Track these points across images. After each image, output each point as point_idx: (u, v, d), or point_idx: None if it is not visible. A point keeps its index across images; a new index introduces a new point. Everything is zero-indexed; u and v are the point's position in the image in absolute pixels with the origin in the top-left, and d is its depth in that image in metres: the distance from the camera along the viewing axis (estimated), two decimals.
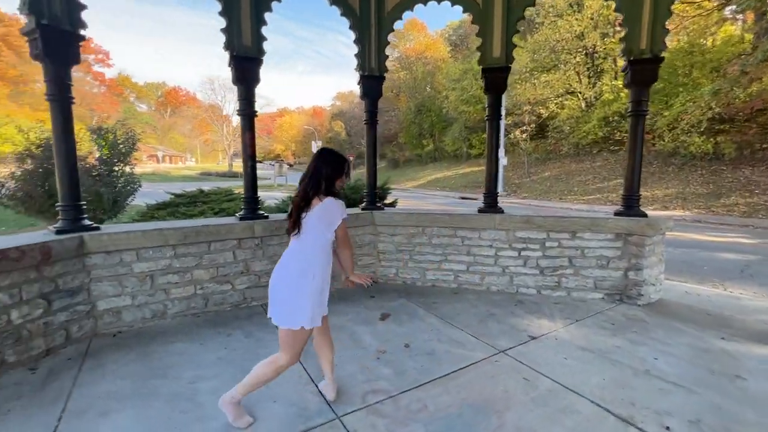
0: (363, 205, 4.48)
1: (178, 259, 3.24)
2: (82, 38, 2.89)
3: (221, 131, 58.57)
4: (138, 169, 10.75)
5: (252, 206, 3.67)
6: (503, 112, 20.75)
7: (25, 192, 7.94)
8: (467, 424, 1.99)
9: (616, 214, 3.88)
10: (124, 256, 3.02)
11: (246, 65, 3.49)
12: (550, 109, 23.78)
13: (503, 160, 20.88)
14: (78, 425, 1.95)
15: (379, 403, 2.17)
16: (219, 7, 3.37)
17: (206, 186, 9.63)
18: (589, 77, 22.57)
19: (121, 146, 9.34)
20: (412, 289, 4.13)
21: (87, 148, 9.30)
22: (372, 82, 4.24)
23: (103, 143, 8.95)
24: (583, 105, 22.14)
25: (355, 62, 4.23)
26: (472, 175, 26.40)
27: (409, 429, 1.95)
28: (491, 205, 4.14)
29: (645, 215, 3.77)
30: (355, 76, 4.23)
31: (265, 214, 3.76)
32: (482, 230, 4.03)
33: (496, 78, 3.99)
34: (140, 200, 10.08)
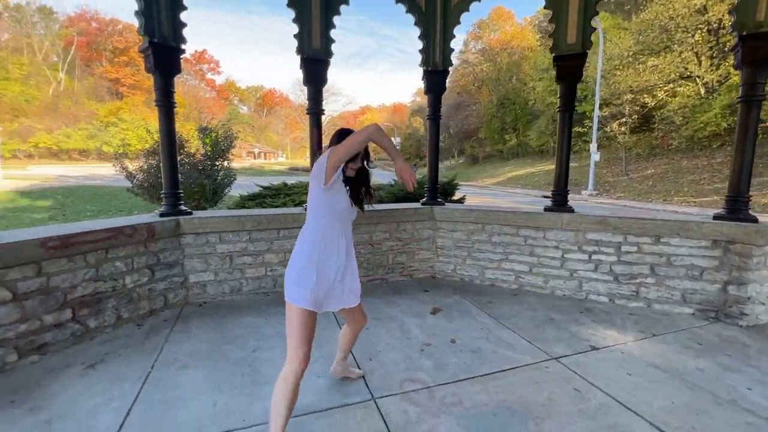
0: (424, 200, 4.51)
1: (252, 243, 3.65)
2: (183, 52, 3.39)
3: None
4: (236, 164, 12.17)
5: None
6: (596, 103, 18.77)
7: (149, 183, 9.56)
8: (501, 424, 1.95)
9: (716, 217, 3.33)
10: (210, 238, 3.52)
11: (315, 67, 3.76)
12: (658, 97, 20.82)
13: (595, 156, 18.95)
14: (164, 373, 2.37)
15: (415, 392, 2.22)
16: (293, 14, 3.68)
17: (291, 180, 10.47)
18: (711, 58, 19.17)
19: (222, 144, 10.65)
20: (469, 286, 4.06)
21: (195, 146, 10.81)
22: (435, 77, 4.23)
23: (208, 141, 10.31)
24: (702, 91, 18.92)
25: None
26: None
27: (440, 421, 1.97)
28: (560, 203, 3.85)
29: (755, 220, 3.17)
30: None
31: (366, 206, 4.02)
32: (547, 230, 3.78)
33: (570, 66, 3.68)
34: (236, 191, 11.34)
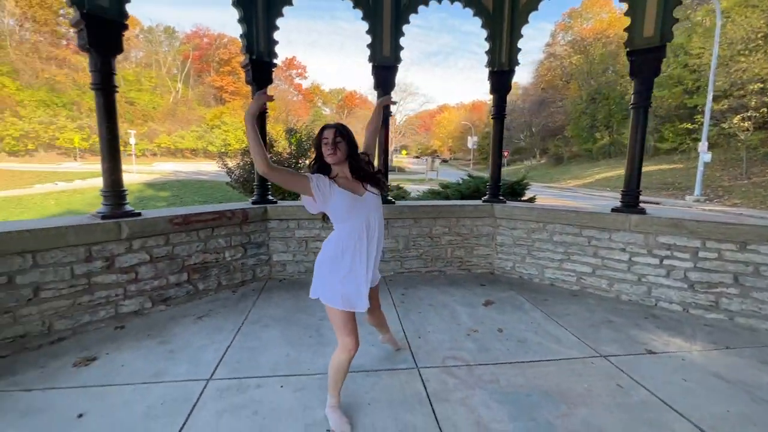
0: (485, 197, 4.61)
1: (323, 231, 4.15)
2: (275, 65, 3.99)
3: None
4: None
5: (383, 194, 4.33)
6: (709, 95, 16.43)
7: (244, 178, 10.95)
8: (532, 404, 2.09)
9: None
10: (290, 224, 4.10)
11: (384, 73, 4.13)
12: None
13: (706, 156, 16.59)
14: (251, 329, 2.93)
15: (456, 367, 2.45)
16: (367, 26, 4.09)
17: None
18: None
19: (305, 144, 11.71)
20: (528, 284, 4.08)
21: (283, 145, 12.05)
22: (501, 77, 4.31)
23: (293, 141, 11.43)
24: None
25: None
26: (658, 175, 21.80)
27: (474, 392, 2.18)
28: (630, 204, 3.69)
29: None
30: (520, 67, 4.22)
31: (393, 201, 4.38)
32: (614, 231, 3.65)
33: (645, 60, 3.50)
34: None
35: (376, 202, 1.91)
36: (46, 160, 35.17)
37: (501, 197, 4.57)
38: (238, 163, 11.02)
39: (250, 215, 3.83)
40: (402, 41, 4.15)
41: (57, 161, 34.98)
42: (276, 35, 3.96)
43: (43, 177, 24.68)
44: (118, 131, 3.02)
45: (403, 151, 74.82)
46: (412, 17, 4.15)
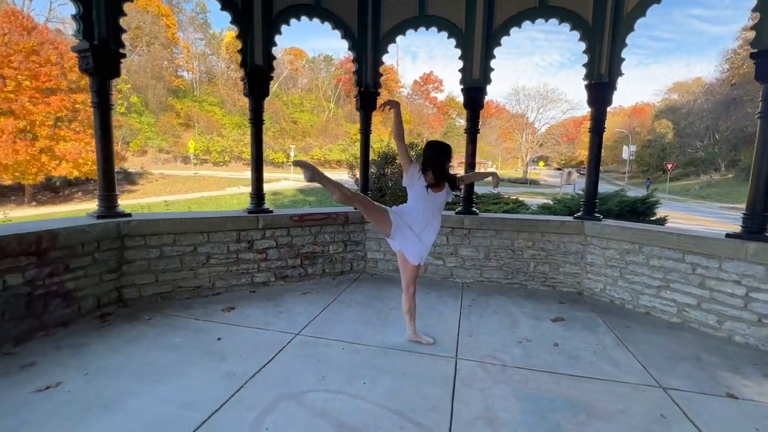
0: (579, 213, 4.44)
1: None
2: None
3: (521, 139, 60.91)
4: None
5: (467, 204, 4.64)
6: None
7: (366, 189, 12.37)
8: (551, 407, 2.21)
9: None
10: None
11: (473, 94, 4.47)
12: None
13: None
14: (337, 307, 3.69)
15: (491, 364, 2.68)
16: (459, 53, 4.51)
17: (493, 190, 11.24)
18: None
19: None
20: (616, 309, 3.81)
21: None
22: (600, 89, 4.14)
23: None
24: None
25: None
26: None
27: (498, 387, 2.41)
28: (752, 230, 3.13)
29: None
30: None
31: (476, 211, 4.65)
32: (725, 260, 3.16)
33: None
34: None
35: (440, 200, 2.79)
36: (236, 169, 45.42)
37: (597, 214, 4.33)
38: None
39: (351, 218, 4.68)
40: (497, 61, 4.43)
41: (243, 170, 44.71)
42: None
43: (234, 182, 32.03)
44: (262, 150, 4.24)
45: (540, 163, 69.26)
46: (505, 40, 4.39)
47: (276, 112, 58.14)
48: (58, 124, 20.39)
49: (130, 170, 29.03)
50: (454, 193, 2.92)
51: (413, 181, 2.77)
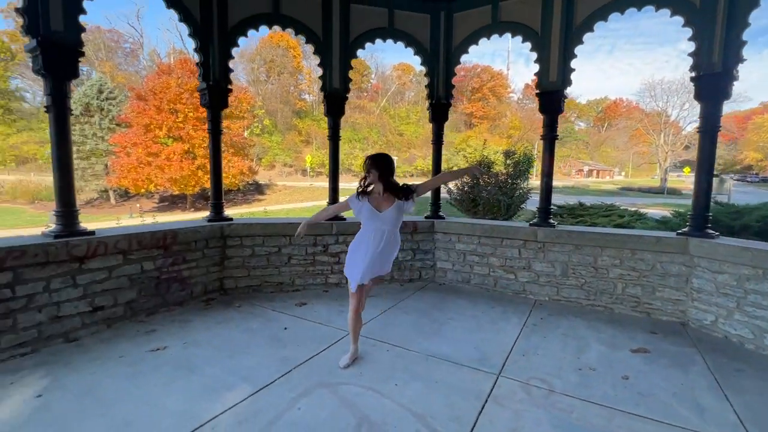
0: (684, 229, 3.74)
1: (480, 246, 4.60)
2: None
3: (657, 141, 51.85)
4: (559, 183, 12.91)
5: (543, 215, 4.32)
6: None
7: (460, 197, 12.21)
8: None
9: None
10: (452, 238, 4.78)
11: (550, 97, 4.17)
12: None
13: None
14: (396, 312, 3.84)
15: (535, 387, 2.50)
16: (536, 55, 4.27)
17: (615, 200, 10.38)
18: None
19: (522, 165, 11.83)
20: (731, 348, 3.09)
21: (498, 168, 12.57)
22: (712, 81, 3.46)
23: (510, 163, 11.78)
24: None
25: None
26: None
27: (536, 412, 2.25)
28: None
29: None
30: None
31: (554, 223, 4.29)
32: None
33: None
34: (534, 207, 12.09)
35: (390, 216, 2.65)
36: (346, 180, 49.36)
37: (709, 230, 3.59)
38: (457, 183, 12.38)
39: (419, 227, 4.79)
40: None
41: (353, 181, 48.41)
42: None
43: (349, 192, 34.83)
44: (338, 163, 4.69)
45: (685, 169, 58.08)
46: (587, 36, 4.02)
47: (383, 125, 61.37)
48: None
49: (260, 182, 33.99)
50: (409, 202, 2.70)
51: (357, 208, 2.72)
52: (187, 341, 3.07)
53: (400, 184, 2.70)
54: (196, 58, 4.05)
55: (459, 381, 2.57)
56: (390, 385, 2.51)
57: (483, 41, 4.60)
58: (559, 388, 2.49)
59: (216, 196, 4.33)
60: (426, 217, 5.02)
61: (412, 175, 54.82)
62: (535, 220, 4.41)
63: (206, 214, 4.47)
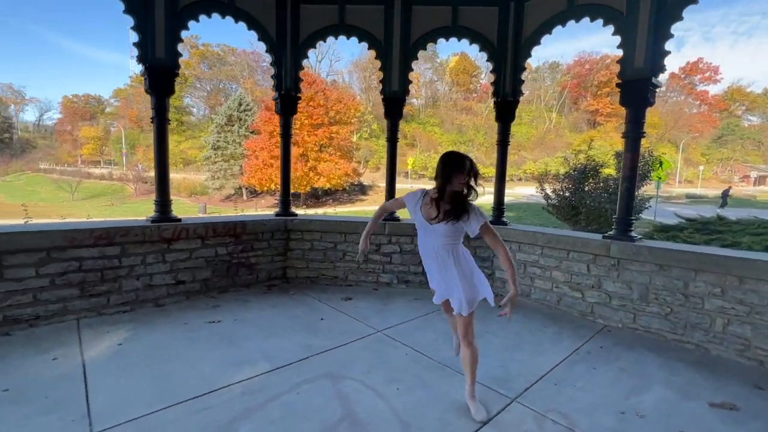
0: None
1: (543, 257, 4.13)
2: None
3: None
4: (712, 191, 10.77)
5: (621, 227, 3.67)
6: None
7: (558, 203, 11.02)
8: None
9: None
10: (511, 246, 4.40)
11: (638, 86, 3.52)
12: None
13: None
14: (434, 317, 3.73)
15: (553, 421, 2.17)
16: (619, 40, 3.65)
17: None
18: None
19: (644, 169, 10.12)
20: None
21: (610, 171, 10.93)
22: None
23: (660, 171, 10.17)
24: None
25: None
26: None
27: None
28: None
29: None
30: None
31: (637, 236, 3.60)
32: None
33: None
34: (665, 219, 10.33)
35: (442, 230, 2.18)
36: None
37: None
38: (555, 189, 11.20)
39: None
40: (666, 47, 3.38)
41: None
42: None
43: None
44: (396, 164, 4.75)
45: None
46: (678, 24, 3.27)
47: (491, 127, 58.95)
48: (322, 149, 27.84)
49: (364, 183, 36.05)
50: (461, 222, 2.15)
51: (412, 210, 2.29)
52: (238, 318, 3.52)
53: (461, 198, 2.13)
54: (272, 70, 4.58)
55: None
56: (392, 388, 2.48)
57: (558, 29, 4.13)
58: (583, 429, 2.12)
59: (284, 194, 4.82)
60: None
61: (520, 179, 51.35)
62: (611, 232, 3.77)
63: (315, 211, 5.00)
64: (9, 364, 2.56)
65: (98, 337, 3.01)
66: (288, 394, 2.36)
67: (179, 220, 3.89)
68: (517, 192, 36.73)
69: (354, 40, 4.57)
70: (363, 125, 48.70)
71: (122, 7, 3.47)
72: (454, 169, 2.05)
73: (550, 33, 4.19)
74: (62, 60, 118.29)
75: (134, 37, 3.55)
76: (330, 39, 4.64)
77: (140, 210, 24.61)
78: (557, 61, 70.76)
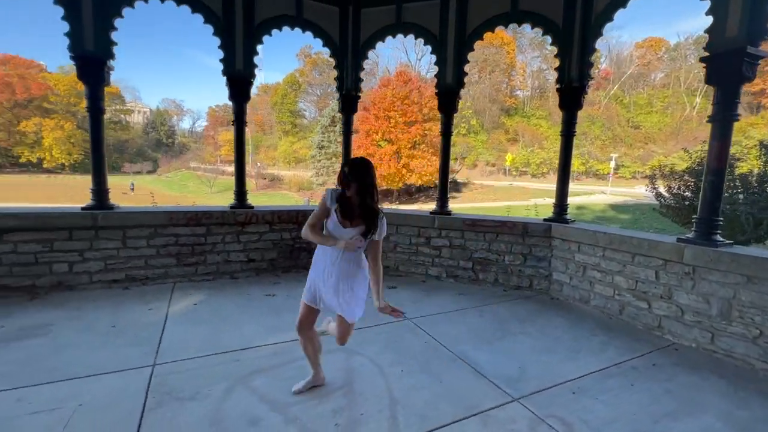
0: None
1: (604, 260, 3.68)
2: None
3: None
4: None
5: (702, 228, 3.07)
6: None
7: (675, 204, 9.30)
8: None
9: None
10: (571, 246, 4.02)
11: (729, 59, 2.91)
12: None
13: None
14: (472, 313, 3.67)
15: (548, 426, 2.04)
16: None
17: None
18: None
19: None
20: None
21: (753, 165, 8.79)
22: None
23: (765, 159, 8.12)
24: None
25: None
26: None
27: None
28: None
29: None
30: None
31: (722, 240, 2.98)
32: None
33: None
34: None
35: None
36: (552, 180, 44.73)
37: None
38: (670, 187, 9.48)
39: (531, 229, 4.26)
40: None
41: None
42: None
43: (540, 193, 31.99)
44: (449, 159, 4.73)
45: None
46: None
47: (611, 117, 51.86)
48: (415, 146, 28.27)
49: (458, 180, 35.39)
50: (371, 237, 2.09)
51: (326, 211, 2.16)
52: (291, 295, 3.99)
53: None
54: (335, 72, 4.99)
55: (465, 389, 2.38)
56: (397, 369, 2.60)
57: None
58: None
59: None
60: (545, 220, 4.39)
61: (645, 176, 44.07)
62: (688, 235, 3.19)
63: (408, 207, 5.36)
64: (121, 309, 3.42)
65: (183, 298, 3.78)
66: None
67: (251, 207, 4.57)
68: (639, 192, 31.73)
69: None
70: (461, 120, 47.70)
71: (212, 30, 4.22)
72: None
73: (624, 6, 3.70)
74: (207, 75, 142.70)
75: (220, 54, 4.28)
76: None
77: (255, 202, 28.51)
78: (705, 36, 58.58)
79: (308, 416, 2.11)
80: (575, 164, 44.33)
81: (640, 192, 31.09)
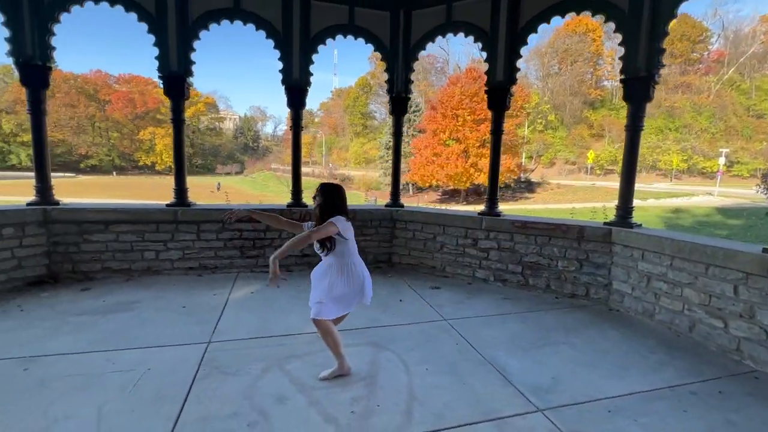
0: None
1: (672, 270, 3.27)
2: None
3: None
4: None
5: None
6: None
7: None
8: None
9: None
10: (634, 253, 3.63)
11: None
12: None
13: None
14: (514, 318, 3.53)
15: None
16: None
17: None
18: None
19: None
20: None
21: None
22: None
23: None
24: None
25: None
26: None
27: None
28: None
29: None
30: None
31: None
32: None
33: None
34: None
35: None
36: (642, 179, 39.73)
37: None
38: None
39: (587, 233, 3.94)
40: None
41: (652, 181, 38.44)
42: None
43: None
44: (499, 157, 4.57)
45: None
46: None
47: (724, 106, 44.56)
48: (485, 145, 27.33)
49: (532, 180, 33.38)
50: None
51: (344, 226, 2.52)
52: None
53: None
54: (385, 75, 5.11)
55: (488, 394, 2.33)
56: (422, 368, 2.64)
57: None
58: None
59: (394, 186, 5.33)
60: (605, 223, 4.02)
61: (765, 174, 36.98)
62: None
63: (476, 207, 4.97)
64: (192, 293, 3.95)
65: (243, 287, 4.22)
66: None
67: (306, 206, 4.91)
68: (757, 194, 26.79)
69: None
70: (538, 116, 44.90)
71: (272, 43, 4.63)
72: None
73: None
74: None
75: (279, 65, 4.68)
76: None
77: None
78: None
79: (329, 401, 2.25)
80: (674, 161, 39.02)
81: (758, 194, 26.28)
